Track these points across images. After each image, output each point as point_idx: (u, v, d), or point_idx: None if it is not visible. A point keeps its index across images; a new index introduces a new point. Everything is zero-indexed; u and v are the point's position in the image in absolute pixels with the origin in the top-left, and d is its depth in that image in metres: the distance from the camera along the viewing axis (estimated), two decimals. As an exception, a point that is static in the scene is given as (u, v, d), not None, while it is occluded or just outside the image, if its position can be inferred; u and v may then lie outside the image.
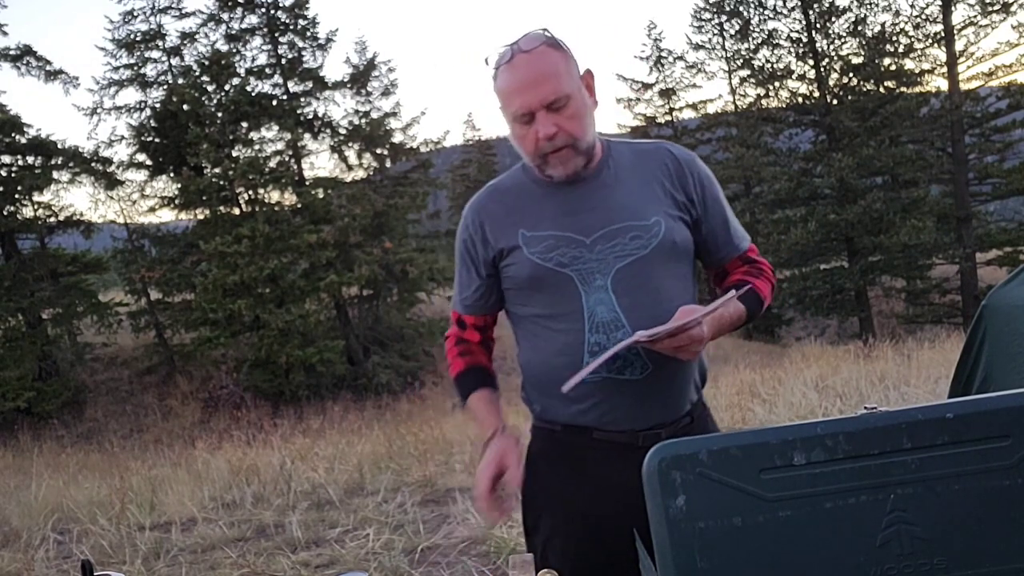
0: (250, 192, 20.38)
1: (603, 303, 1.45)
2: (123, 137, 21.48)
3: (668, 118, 32.23)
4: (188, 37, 21.63)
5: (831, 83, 26.73)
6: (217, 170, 19.61)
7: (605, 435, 1.50)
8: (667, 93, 32.01)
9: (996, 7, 23.86)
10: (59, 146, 19.52)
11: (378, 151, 22.72)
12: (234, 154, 20.38)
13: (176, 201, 21.01)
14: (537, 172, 1.53)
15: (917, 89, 26.07)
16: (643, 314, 1.43)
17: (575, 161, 1.47)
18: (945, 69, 25.28)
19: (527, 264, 1.49)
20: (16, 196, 19.16)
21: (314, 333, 19.36)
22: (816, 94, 26.85)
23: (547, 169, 1.48)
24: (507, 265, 1.53)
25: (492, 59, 1.49)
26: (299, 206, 20.65)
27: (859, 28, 26.40)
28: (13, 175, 19.06)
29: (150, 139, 21.14)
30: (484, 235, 1.55)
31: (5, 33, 19.71)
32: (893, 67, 25.97)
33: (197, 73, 21.21)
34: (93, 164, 20.50)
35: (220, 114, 20.50)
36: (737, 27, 29.33)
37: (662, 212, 1.49)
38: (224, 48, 21.36)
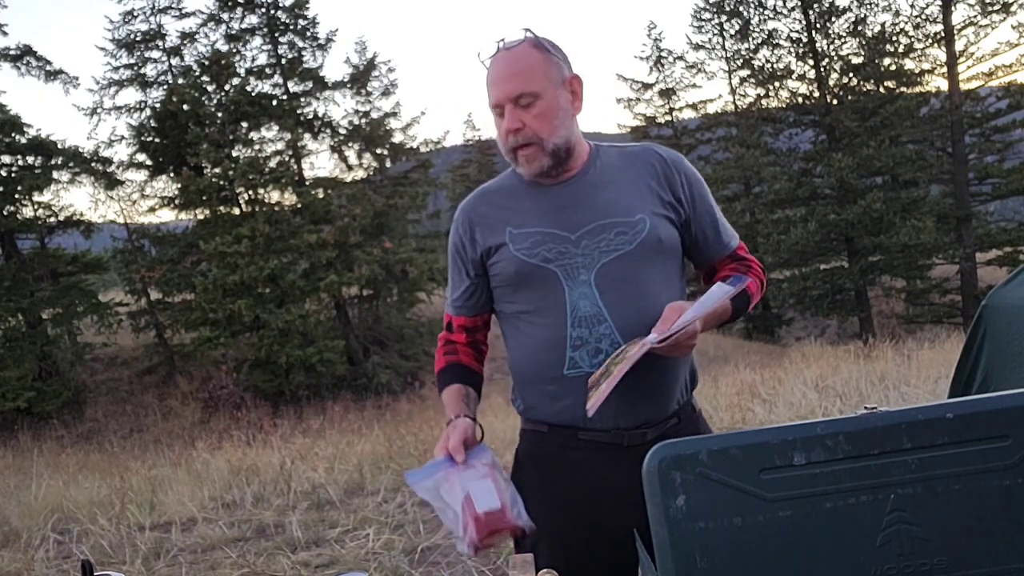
0: (250, 192, 20.39)
1: (586, 297, 1.46)
2: (123, 137, 21.49)
3: (668, 118, 32.24)
4: (188, 37, 21.65)
5: (831, 83, 26.75)
6: (217, 170, 19.62)
7: (590, 435, 1.51)
8: (667, 93, 32.02)
9: (996, 7, 23.88)
10: (59, 146, 19.52)
11: (378, 151, 22.73)
12: (234, 154, 20.39)
13: (176, 201, 21.03)
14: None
15: (917, 89, 26.09)
16: (626, 309, 1.45)
17: (540, 161, 1.48)
18: (945, 69, 25.30)
19: (513, 261, 1.51)
20: (16, 196, 19.16)
21: (314, 333, 19.35)
22: (816, 94, 26.87)
23: (517, 166, 1.52)
24: (494, 263, 1.55)
25: (484, 55, 1.53)
26: (299, 206, 20.65)
27: (859, 28, 26.42)
28: (13, 175, 19.07)
29: (150, 139, 21.14)
30: (473, 235, 1.57)
31: (5, 33, 19.74)
32: (893, 67, 25.99)
33: (197, 73, 21.23)
34: (93, 164, 20.50)
35: (220, 114, 20.51)
36: (737, 27, 29.34)
37: (648, 210, 1.51)
38: (224, 48, 21.37)
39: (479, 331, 1.68)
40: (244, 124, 21.08)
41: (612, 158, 1.58)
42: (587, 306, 1.46)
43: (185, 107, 20.07)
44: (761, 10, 28.07)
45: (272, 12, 21.46)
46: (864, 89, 26.25)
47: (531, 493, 1.57)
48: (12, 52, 19.55)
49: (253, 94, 21.05)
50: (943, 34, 25.04)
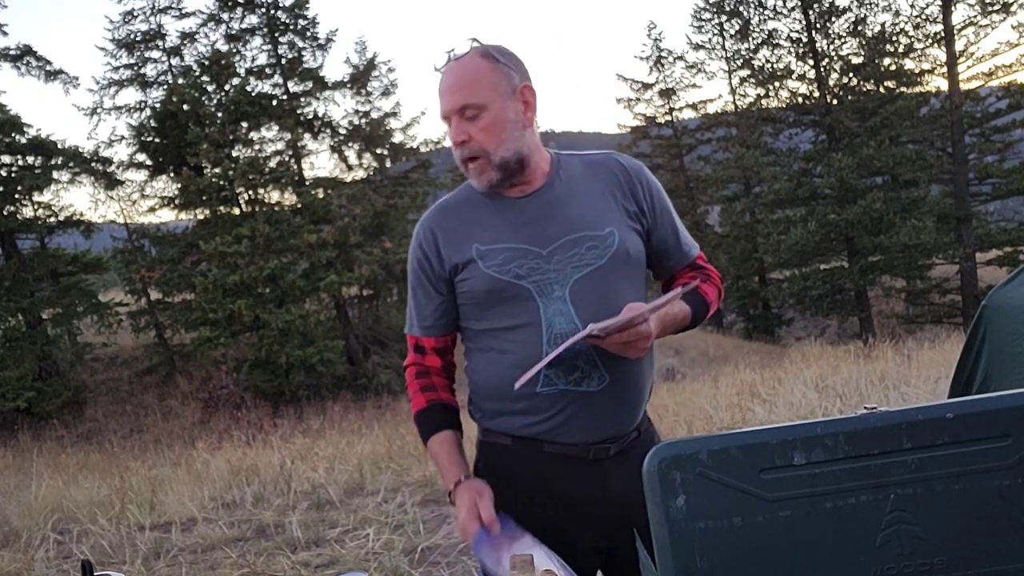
0: (250, 192, 20.40)
1: (562, 314, 1.44)
2: (123, 137, 21.52)
3: (668, 118, 32.25)
4: (188, 37, 21.67)
5: (831, 83, 26.76)
6: (217, 170, 19.62)
7: (556, 448, 1.49)
8: (667, 93, 32.03)
9: (996, 7, 23.89)
10: (59, 146, 19.53)
11: (378, 151, 22.74)
12: (234, 154, 20.40)
13: (176, 201, 21.04)
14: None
15: (917, 89, 26.11)
16: None
17: (489, 174, 1.46)
18: (945, 69, 25.30)
19: (484, 278, 1.47)
20: (16, 196, 19.18)
21: (314, 333, 19.36)
22: (816, 94, 26.89)
23: (469, 178, 1.49)
24: (463, 280, 1.50)
25: (437, 64, 1.51)
26: (299, 206, 20.67)
27: (859, 28, 26.44)
28: (13, 175, 19.08)
29: (150, 139, 21.16)
30: (438, 251, 1.52)
31: (5, 33, 19.73)
32: (893, 67, 26.01)
33: (197, 73, 21.24)
34: (93, 164, 20.52)
35: (220, 114, 20.52)
36: (737, 27, 29.36)
37: (616, 222, 1.49)
38: (224, 48, 21.38)
39: (450, 351, 1.62)
40: (244, 124, 21.09)
41: (575, 168, 1.55)
42: (563, 323, 1.43)
43: (185, 107, 20.07)
44: (761, 10, 28.09)
45: (272, 12, 21.47)
46: (864, 89, 26.27)
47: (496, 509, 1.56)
48: (12, 52, 19.58)
49: (253, 94, 21.06)
50: (943, 34, 25.05)
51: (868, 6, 26.36)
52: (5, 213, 18.67)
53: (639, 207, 1.54)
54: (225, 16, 21.47)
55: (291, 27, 21.72)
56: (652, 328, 1.39)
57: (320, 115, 22.39)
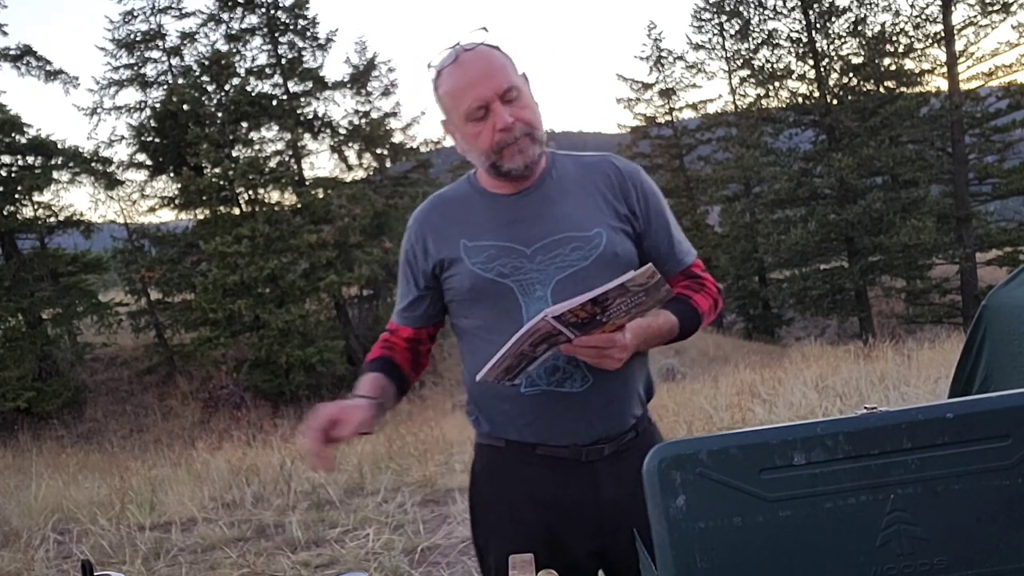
0: (250, 192, 20.41)
1: None
2: (123, 137, 21.54)
3: (668, 118, 32.26)
4: (188, 37, 21.68)
5: (831, 83, 26.76)
6: (217, 170, 19.64)
7: (548, 451, 1.47)
8: (667, 93, 32.04)
9: (996, 7, 23.90)
10: (59, 146, 19.55)
11: (378, 151, 22.75)
12: (234, 154, 20.41)
13: (176, 201, 21.05)
14: (490, 174, 1.48)
15: (917, 89, 26.12)
16: None
17: (533, 150, 1.43)
18: (945, 69, 25.31)
19: (468, 275, 1.46)
20: (16, 196, 19.19)
21: (314, 333, 19.37)
22: (816, 94, 26.89)
23: (503, 164, 1.43)
24: (449, 276, 1.50)
25: (436, 62, 1.45)
26: (299, 206, 20.68)
27: (859, 28, 26.44)
28: (13, 175, 19.09)
29: (150, 139, 21.17)
30: (426, 246, 1.52)
31: (5, 33, 19.75)
32: (893, 67, 26.02)
33: (197, 73, 21.25)
34: (93, 164, 20.54)
35: (220, 114, 20.53)
36: (737, 27, 29.37)
37: (604, 224, 1.47)
38: (224, 48, 21.40)
39: (422, 344, 1.62)
40: (244, 124, 21.10)
41: (568, 168, 1.53)
42: None
43: (185, 107, 20.08)
44: (761, 10, 28.09)
45: (272, 12, 21.48)
46: (864, 89, 26.27)
47: (487, 507, 1.56)
48: (12, 52, 19.60)
49: (253, 94, 21.07)
50: (943, 34, 25.05)
51: (868, 6, 26.37)
52: (5, 213, 18.68)
53: (630, 210, 1.51)
54: (225, 16, 21.49)
55: (291, 27, 21.73)
56: (628, 339, 1.36)
57: (320, 115, 22.42)
